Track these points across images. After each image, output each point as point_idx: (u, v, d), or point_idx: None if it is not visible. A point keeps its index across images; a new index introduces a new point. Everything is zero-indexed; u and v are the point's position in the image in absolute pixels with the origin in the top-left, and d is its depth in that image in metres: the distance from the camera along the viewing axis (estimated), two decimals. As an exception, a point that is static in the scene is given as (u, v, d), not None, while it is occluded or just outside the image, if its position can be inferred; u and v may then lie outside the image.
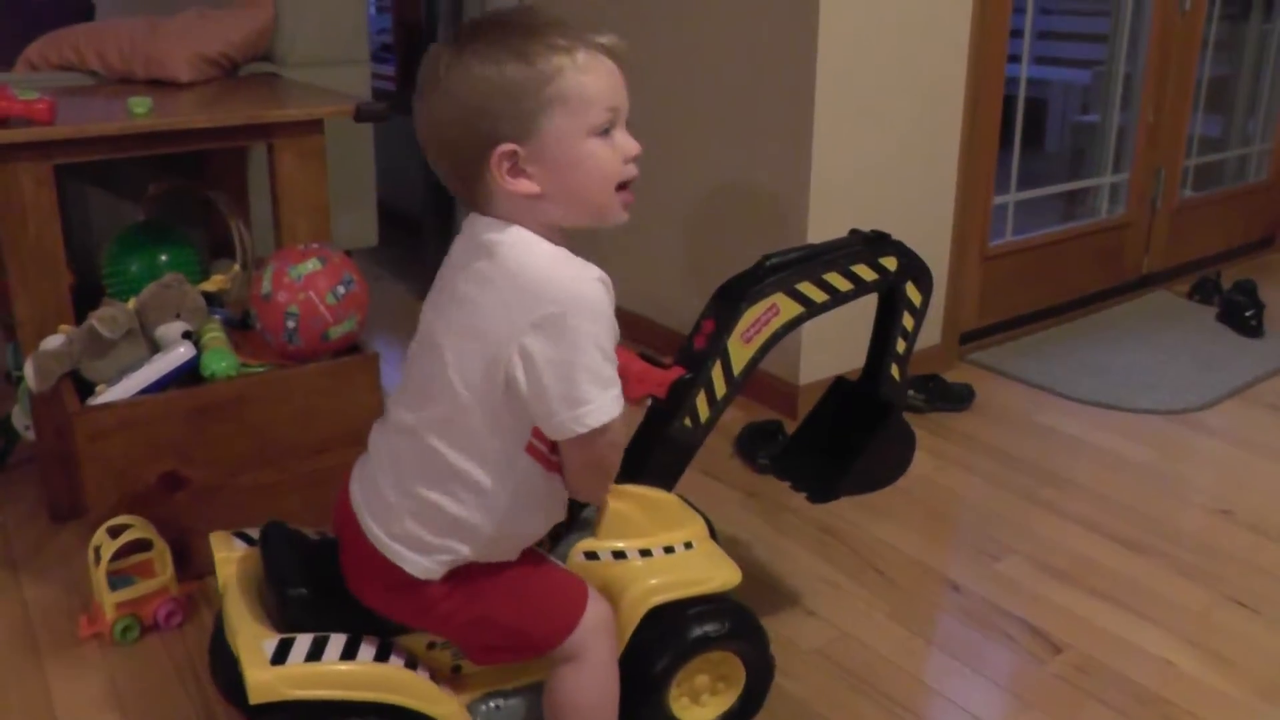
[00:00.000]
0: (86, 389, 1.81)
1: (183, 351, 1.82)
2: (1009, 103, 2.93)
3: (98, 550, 1.70)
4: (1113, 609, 1.84)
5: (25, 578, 1.87)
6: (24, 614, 1.78)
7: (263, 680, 1.18)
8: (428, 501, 1.20)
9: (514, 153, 1.13)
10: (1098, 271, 3.26)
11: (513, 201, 1.16)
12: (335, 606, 1.26)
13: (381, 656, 1.24)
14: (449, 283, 1.22)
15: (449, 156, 1.17)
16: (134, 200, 2.36)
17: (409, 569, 1.21)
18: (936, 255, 2.62)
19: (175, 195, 2.30)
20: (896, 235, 1.62)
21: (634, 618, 1.37)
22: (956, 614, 1.83)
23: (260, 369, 1.88)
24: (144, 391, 1.79)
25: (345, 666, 1.22)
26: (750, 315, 1.49)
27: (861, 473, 1.69)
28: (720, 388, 1.50)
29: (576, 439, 1.15)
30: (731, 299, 1.50)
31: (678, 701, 1.45)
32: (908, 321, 1.64)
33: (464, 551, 1.22)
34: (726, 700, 1.49)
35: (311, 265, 1.86)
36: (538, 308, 1.12)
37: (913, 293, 1.63)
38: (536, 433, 1.19)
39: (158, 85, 2.29)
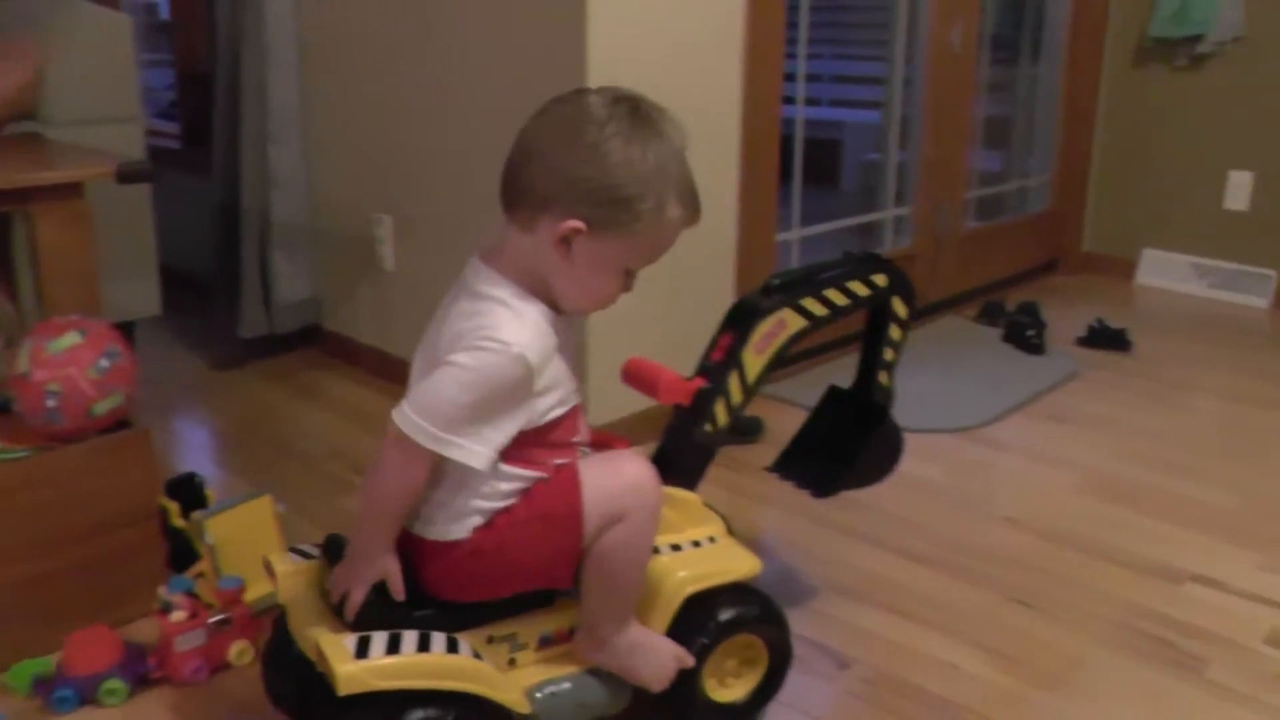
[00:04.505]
0: None
1: (-65, 437, 1.73)
2: (804, 144, 3.05)
3: None
4: (899, 620, 1.89)
5: None
6: None
7: (351, 673, 1.27)
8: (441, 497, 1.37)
9: (578, 231, 1.30)
10: (888, 301, 3.36)
11: (537, 251, 1.33)
12: (400, 607, 1.37)
13: (451, 650, 1.34)
14: (439, 316, 1.38)
15: (541, 180, 1.31)
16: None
17: (446, 537, 1.37)
18: (720, 292, 2.67)
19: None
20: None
21: (673, 606, 1.49)
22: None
23: (22, 454, 1.79)
24: (-106, 482, 1.69)
25: (424, 658, 1.31)
26: (762, 329, 1.64)
27: (858, 470, 1.85)
28: (736, 395, 1.65)
29: (390, 423, 1.30)
30: (745, 314, 1.65)
31: (710, 684, 1.55)
32: (895, 333, 1.80)
33: (478, 506, 1.37)
34: (752, 680, 1.60)
35: (71, 339, 1.78)
36: (467, 343, 1.29)
37: (899, 306, 1.79)
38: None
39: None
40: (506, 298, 1.33)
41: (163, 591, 1.72)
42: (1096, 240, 4.24)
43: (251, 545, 1.87)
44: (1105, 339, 3.34)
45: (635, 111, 1.33)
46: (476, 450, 1.29)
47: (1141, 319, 3.57)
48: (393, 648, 1.31)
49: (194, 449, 2.64)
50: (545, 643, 1.48)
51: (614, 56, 2.32)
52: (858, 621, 1.88)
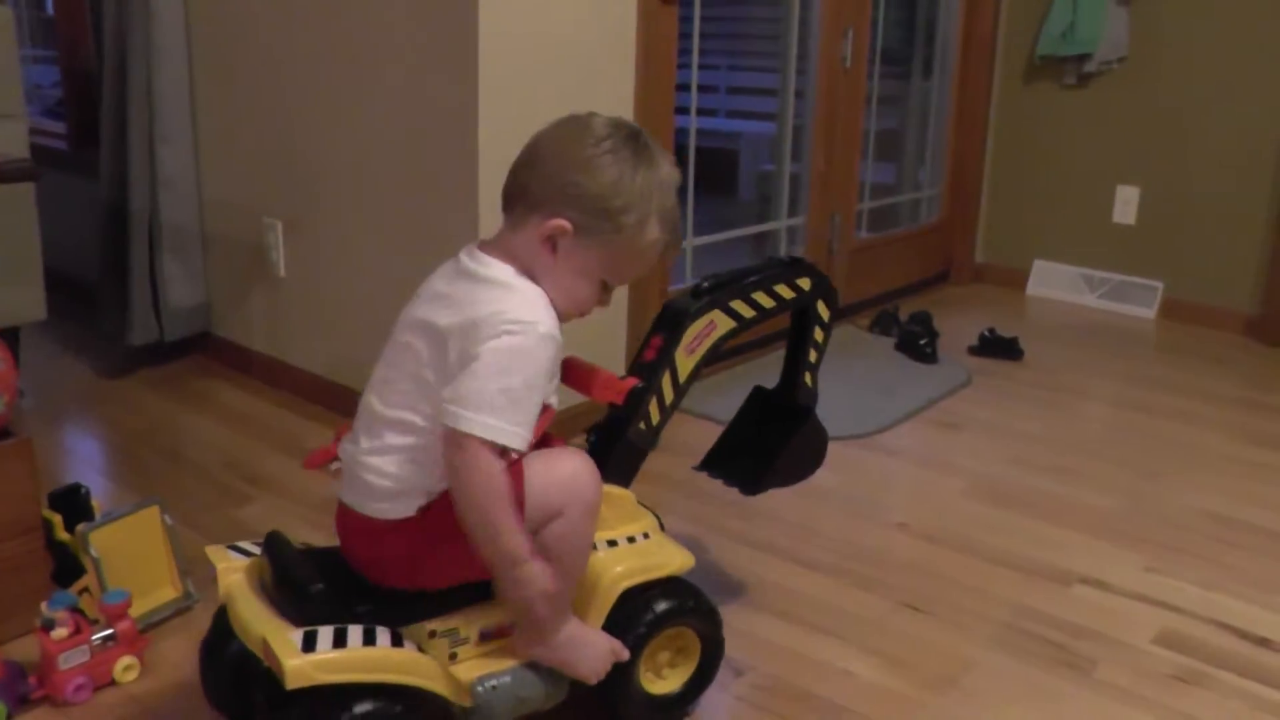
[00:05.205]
0: None
1: None
2: (698, 154, 3.08)
3: None
4: (792, 627, 1.91)
5: None
6: None
7: (299, 667, 1.28)
8: (383, 464, 1.39)
9: (564, 230, 1.38)
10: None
11: (526, 247, 1.41)
12: (346, 602, 1.39)
13: (396, 644, 1.38)
14: (425, 296, 1.44)
15: (536, 183, 1.40)
16: None
17: (392, 515, 1.40)
18: (614, 301, 2.67)
19: None
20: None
21: (609, 601, 1.54)
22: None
23: (-104, 460, 1.73)
24: None
25: (371, 652, 1.34)
26: (693, 330, 1.69)
27: (784, 467, 1.90)
28: (669, 395, 1.69)
29: (449, 432, 1.31)
30: (676, 316, 1.69)
31: (644, 676, 1.60)
32: (818, 335, 1.86)
33: (426, 486, 1.39)
34: (685, 673, 1.65)
35: (-52, 343, 1.73)
36: (492, 331, 1.32)
37: (822, 309, 1.84)
38: None
39: None
40: (514, 283, 1.39)
41: (44, 608, 1.67)
42: (988, 251, 4.34)
43: (138, 558, 1.83)
44: (996, 348, 3.42)
45: (633, 138, 1.42)
46: (523, 435, 1.34)
47: (1032, 328, 3.67)
48: (339, 642, 1.33)
49: (80, 459, 2.57)
50: (485, 637, 1.50)
51: (505, 66, 2.32)
52: (751, 629, 1.89)
